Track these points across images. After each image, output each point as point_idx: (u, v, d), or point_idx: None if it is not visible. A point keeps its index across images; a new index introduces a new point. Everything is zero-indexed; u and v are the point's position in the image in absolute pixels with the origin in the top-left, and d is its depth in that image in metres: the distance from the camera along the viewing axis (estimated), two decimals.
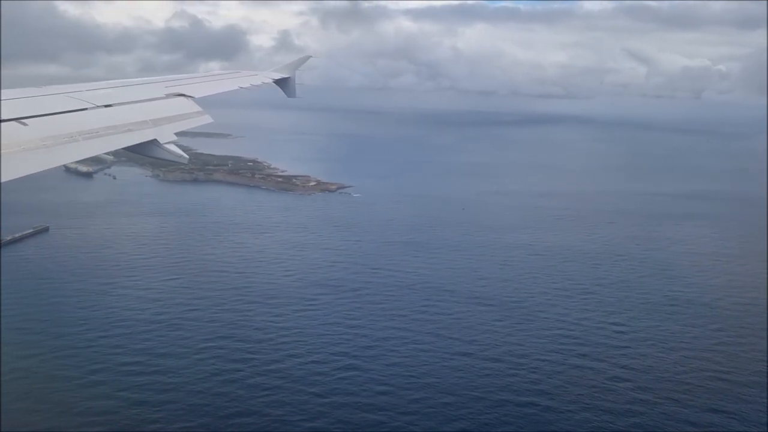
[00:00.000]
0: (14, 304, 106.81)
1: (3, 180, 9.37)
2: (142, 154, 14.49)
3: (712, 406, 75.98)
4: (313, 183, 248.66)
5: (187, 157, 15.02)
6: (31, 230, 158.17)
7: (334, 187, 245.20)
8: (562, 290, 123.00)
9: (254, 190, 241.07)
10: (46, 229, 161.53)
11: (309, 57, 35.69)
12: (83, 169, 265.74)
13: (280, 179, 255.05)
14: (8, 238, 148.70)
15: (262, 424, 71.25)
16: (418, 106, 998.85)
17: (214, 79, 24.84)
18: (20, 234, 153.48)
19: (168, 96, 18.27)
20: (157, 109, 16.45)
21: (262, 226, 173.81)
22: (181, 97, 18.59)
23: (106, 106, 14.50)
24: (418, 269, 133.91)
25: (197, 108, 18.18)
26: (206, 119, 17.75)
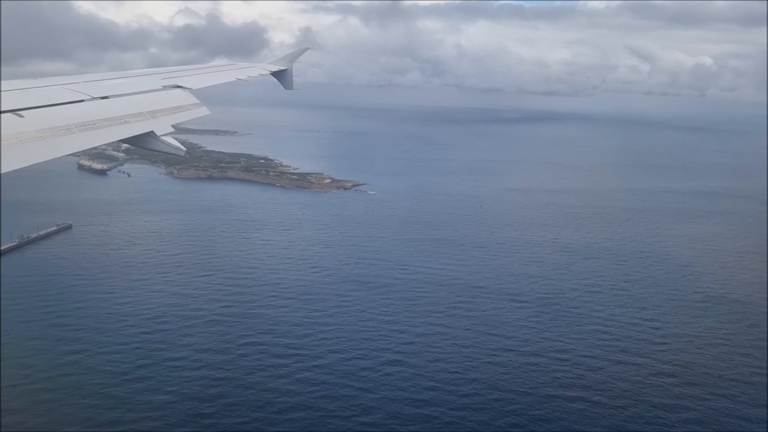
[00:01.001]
0: (51, 301, 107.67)
1: (1, 171, 9.34)
2: (139, 146, 14.41)
3: (761, 401, 76.72)
4: (328, 180, 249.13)
5: (184, 149, 14.83)
6: (55, 227, 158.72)
7: (349, 184, 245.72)
8: (590, 286, 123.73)
9: (269, 187, 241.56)
10: (69, 227, 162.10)
11: (306, 49, 35.52)
12: (97, 166, 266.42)
13: (294, 177, 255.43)
14: (33, 236, 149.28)
15: (317, 419, 71.94)
16: (423, 103, 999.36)
17: (211, 70, 24.73)
18: (45, 231, 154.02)
19: (165, 88, 18.17)
20: (154, 100, 16.36)
21: (285, 224, 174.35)
22: (178, 89, 18.43)
23: (102, 97, 14.40)
24: (445, 266, 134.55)
25: (194, 100, 18.05)
26: (203, 111, 17.58)
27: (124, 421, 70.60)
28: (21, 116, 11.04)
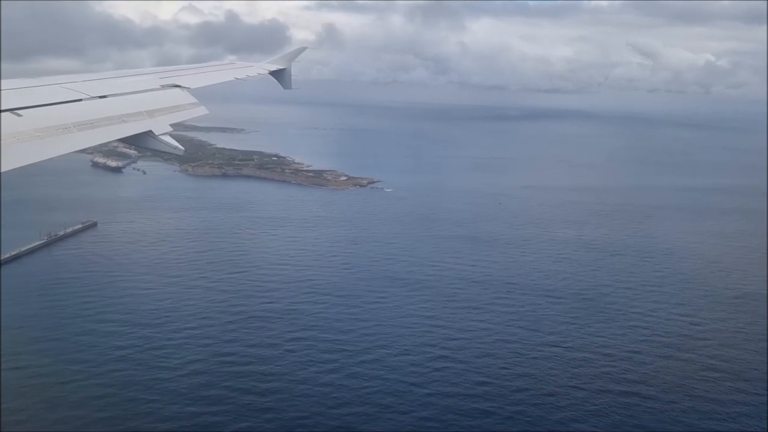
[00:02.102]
0: (92, 297, 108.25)
1: None
2: (137, 145, 14.40)
3: None
4: (343, 178, 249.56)
5: (183, 148, 14.87)
6: (81, 225, 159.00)
7: (364, 182, 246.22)
8: (622, 283, 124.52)
9: (285, 185, 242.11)
10: (94, 224, 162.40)
11: (305, 48, 35.44)
12: (112, 164, 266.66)
13: (310, 174, 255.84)
14: (60, 233, 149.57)
15: (375, 413, 72.61)
16: (427, 100, 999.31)
17: (209, 70, 24.70)
18: (71, 229, 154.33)
19: (163, 87, 18.11)
20: (152, 100, 16.34)
21: (308, 221, 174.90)
22: (177, 89, 18.39)
23: (101, 97, 14.33)
24: (476, 263, 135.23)
25: (192, 99, 18.03)
26: (201, 110, 17.57)
27: (186, 416, 71.21)
28: (19, 115, 10.99)
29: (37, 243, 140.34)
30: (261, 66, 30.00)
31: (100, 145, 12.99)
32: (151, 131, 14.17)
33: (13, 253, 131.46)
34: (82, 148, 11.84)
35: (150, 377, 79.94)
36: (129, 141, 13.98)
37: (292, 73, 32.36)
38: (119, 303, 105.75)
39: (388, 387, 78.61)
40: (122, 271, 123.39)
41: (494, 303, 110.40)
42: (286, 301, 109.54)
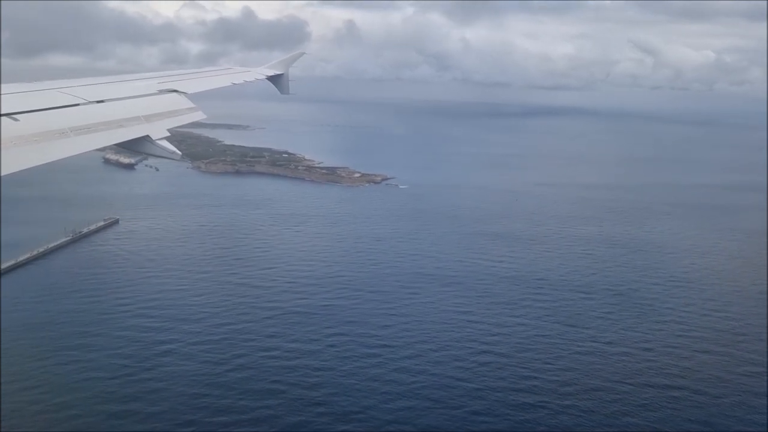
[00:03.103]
0: (124, 294, 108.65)
1: None
2: (135, 150, 14.39)
3: None
4: (357, 175, 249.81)
5: (180, 153, 14.91)
6: (102, 223, 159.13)
7: (378, 178, 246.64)
8: (649, 278, 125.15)
9: (299, 182, 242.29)
10: (116, 222, 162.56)
11: (302, 53, 35.53)
12: (125, 160, 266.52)
13: (324, 171, 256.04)
14: (84, 231, 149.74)
15: (426, 408, 73.17)
16: (431, 97, 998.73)
17: (206, 75, 24.87)
18: (95, 226, 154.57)
19: (160, 92, 18.11)
20: (150, 105, 16.33)
21: (328, 218, 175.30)
22: (174, 93, 18.40)
23: (98, 101, 14.34)
24: (502, 259, 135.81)
25: (190, 104, 18.01)
26: (199, 115, 17.63)
27: (239, 409, 71.71)
28: (16, 120, 11.01)
29: (63, 240, 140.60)
30: (258, 71, 30.28)
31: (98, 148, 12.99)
32: (148, 136, 14.19)
33: (40, 250, 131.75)
34: (79, 152, 11.78)
35: (198, 371, 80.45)
36: (126, 146, 13.95)
37: (290, 78, 32.60)
38: (154, 299, 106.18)
39: (435, 381, 79.21)
40: (152, 268, 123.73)
41: (526, 299, 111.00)
42: (318, 297, 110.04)
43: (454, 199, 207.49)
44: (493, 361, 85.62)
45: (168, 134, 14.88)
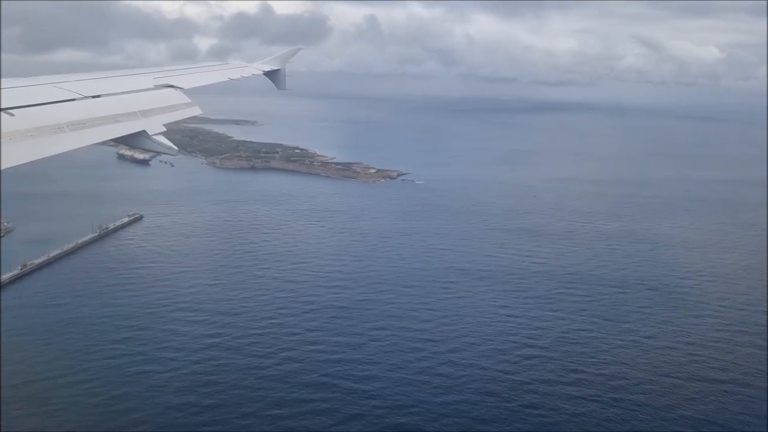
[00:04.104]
0: (160, 288, 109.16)
1: None
2: (131, 145, 14.42)
3: None
4: (373, 170, 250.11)
5: (176, 148, 14.90)
6: (127, 219, 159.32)
7: (394, 174, 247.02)
8: (679, 273, 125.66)
9: (315, 177, 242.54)
10: (140, 217, 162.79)
11: (299, 49, 35.55)
12: (139, 156, 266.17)
13: (339, 167, 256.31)
14: (110, 227, 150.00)
15: (479, 399, 73.75)
16: (435, 93, 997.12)
17: (203, 70, 24.71)
18: (120, 222, 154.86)
19: (157, 87, 18.07)
20: (146, 100, 16.31)
21: (350, 213, 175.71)
22: (170, 89, 18.35)
23: (94, 96, 14.27)
24: (531, 254, 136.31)
25: (186, 99, 17.94)
26: (195, 110, 17.54)
27: (292, 402, 72.25)
28: (12, 115, 10.96)
29: (91, 236, 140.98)
30: (255, 66, 30.26)
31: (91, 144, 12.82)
32: (144, 131, 14.18)
33: (70, 246, 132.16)
34: (75, 148, 11.75)
35: (247, 365, 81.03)
36: (123, 141, 13.96)
37: (287, 74, 32.55)
38: (191, 293, 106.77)
39: (484, 375, 79.79)
40: (185, 263, 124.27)
41: (560, 293, 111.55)
42: (354, 292, 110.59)
43: (472, 195, 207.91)
44: (538, 354, 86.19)
45: (164, 129, 14.85)
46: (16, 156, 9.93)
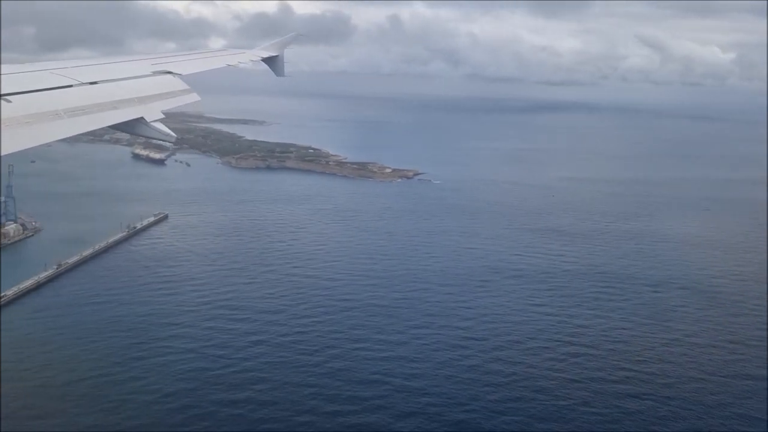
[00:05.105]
0: (198, 286, 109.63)
1: None
2: (129, 132, 14.28)
3: None
4: (389, 170, 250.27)
5: (174, 135, 14.74)
6: (153, 218, 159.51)
7: (410, 173, 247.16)
8: (710, 273, 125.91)
9: (332, 177, 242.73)
10: (165, 217, 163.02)
11: (298, 35, 35.63)
12: (155, 155, 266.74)
13: (355, 166, 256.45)
14: (138, 226, 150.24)
15: (532, 396, 74.04)
16: (441, 92, 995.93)
17: (201, 56, 24.38)
18: (147, 222, 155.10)
19: (155, 73, 17.93)
20: (144, 86, 16.20)
21: (372, 213, 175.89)
22: (168, 75, 18.23)
23: (91, 83, 14.20)
24: (562, 254, 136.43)
25: (184, 86, 17.85)
26: (193, 97, 17.45)
27: (349, 397, 72.59)
28: (8, 101, 10.95)
29: (120, 236, 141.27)
30: (253, 53, 30.12)
31: (89, 131, 12.89)
32: (143, 118, 14.16)
33: (102, 245, 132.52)
34: (73, 134, 11.75)
35: (296, 362, 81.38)
36: (121, 128, 13.88)
37: (285, 60, 32.43)
38: (229, 291, 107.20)
39: (533, 372, 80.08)
40: (217, 261, 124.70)
41: (595, 292, 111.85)
42: (389, 290, 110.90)
43: (491, 195, 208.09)
44: (583, 353, 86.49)
45: (163, 116, 14.80)
46: (14, 142, 9.92)
